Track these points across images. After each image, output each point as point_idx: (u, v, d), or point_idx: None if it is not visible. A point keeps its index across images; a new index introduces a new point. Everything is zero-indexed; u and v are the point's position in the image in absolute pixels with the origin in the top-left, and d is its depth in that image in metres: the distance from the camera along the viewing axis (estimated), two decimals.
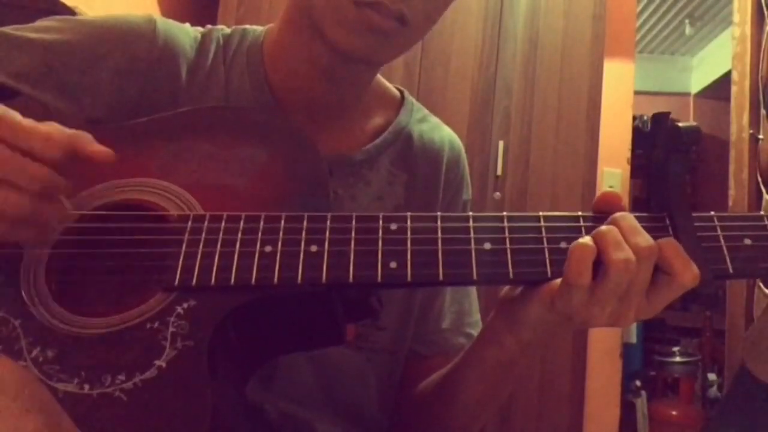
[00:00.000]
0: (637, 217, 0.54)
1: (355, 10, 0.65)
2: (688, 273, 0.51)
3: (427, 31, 0.73)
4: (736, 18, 2.63)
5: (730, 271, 0.52)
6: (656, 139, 0.55)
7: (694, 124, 0.51)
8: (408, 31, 0.68)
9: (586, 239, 0.52)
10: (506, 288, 0.62)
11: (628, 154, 2.69)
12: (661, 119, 0.55)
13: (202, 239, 0.55)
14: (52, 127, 0.53)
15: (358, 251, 0.54)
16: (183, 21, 0.79)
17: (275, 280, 0.53)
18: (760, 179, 2.40)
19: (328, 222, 0.55)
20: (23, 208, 0.50)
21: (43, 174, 0.51)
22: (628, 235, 0.52)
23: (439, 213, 0.56)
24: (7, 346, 0.52)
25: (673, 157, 0.54)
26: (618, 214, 0.53)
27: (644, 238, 0.51)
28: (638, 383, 3.31)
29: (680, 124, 0.53)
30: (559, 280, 0.53)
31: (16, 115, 0.52)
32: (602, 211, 0.55)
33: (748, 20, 2.56)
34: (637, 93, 2.80)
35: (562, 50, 2.30)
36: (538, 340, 0.62)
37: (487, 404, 0.71)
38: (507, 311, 0.61)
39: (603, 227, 0.52)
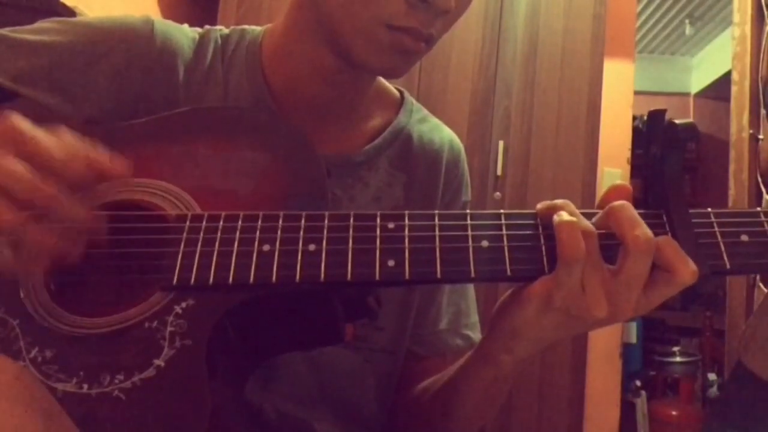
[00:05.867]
0: None
1: (389, 34, 0.65)
2: (686, 270, 0.50)
3: None
4: (736, 18, 2.64)
5: (728, 267, 0.52)
6: (652, 136, 0.55)
7: (690, 120, 0.51)
8: (429, 48, 0.69)
9: (567, 216, 0.51)
10: (497, 305, 0.61)
11: (628, 154, 2.69)
12: (657, 116, 0.55)
13: (200, 238, 0.55)
14: (69, 141, 0.51)
15: (356, 250, 0.54)
16: (183, 21, 0.80)
17: (273, 278, 0.53)
18: (760, 179, 2.40)
19: (326, 221, 0.55)
20: (18, 226, 0.49)
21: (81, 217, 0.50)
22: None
23: (436, 211, 0.56)
24: (6, 346, 0.52)
25: (670, 154, 0.54)
26: (617, 204, 0.52)
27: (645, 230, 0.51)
28: (638, 383, 3.31)
29: (676, 121, 0.53)
30: (549, 276, 0.53)
31: (36, 129, 0.50)
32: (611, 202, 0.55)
33: (748, 20, 2.56)
34: (637, 93, 2.81)
35: (562, 50, 2.30)
36: (534, 352, 0.61)
37: (486, 412, 0.71)
38: (501, 327, 0.60)
39: (616, 203, 0.52)
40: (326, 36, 0.69)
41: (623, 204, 0.52)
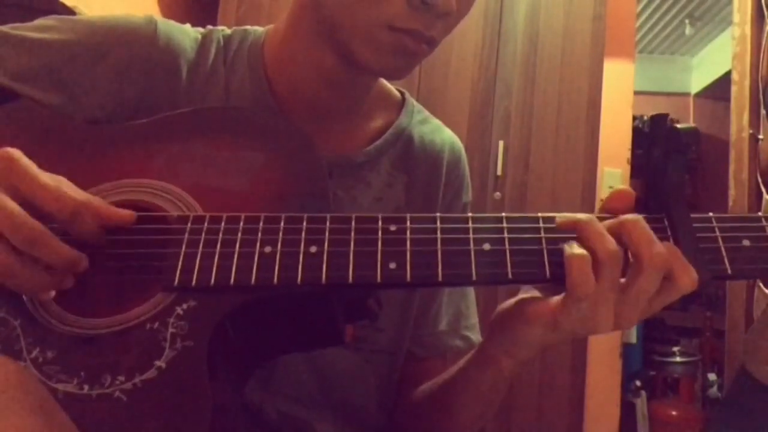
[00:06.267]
0: None
1: (390, 35, 0.65)
2: (687, 277, 0.50)
3: None
4: (736, 18, 2.63)
5: (729, 272, 0.52)
6: (655, 141, 0.55)
7: (693, 125, 0.51)
8: (431, 50, 0.69)
9: (579, 250, 0.51)
10: (499, 311, 0.61)
11: (628, 154, 2.69)
12: (659, 121, 0.55)
13: (202, 240, 0.55)
14: (65, 188, 0.53)
15: (358, 252, 0.54)
16: (183, 21, 0.79)
17: (275, 280, 0.53)
18: (760, 179, 2.40)
19: (328, 223, 0.55)
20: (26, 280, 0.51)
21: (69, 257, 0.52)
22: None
23: (438, 214, 0.56)
24: (7, 347, 0.52)
25: (672, 159, 0.54)
26: (630, 220, 0.51)
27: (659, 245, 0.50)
28: (638, 383, 3.30)
29: (678, 126, 0.53)
30: (556, 299, 0.53)
31: (33, 167, 0.52)
32: (614, 208, 0.55)
33: (748, 20, 2.56)
34: (637, 93, 2.81)
35: (562, 50, 2.30)
36: (536, 355, 0.61)
37: (485, 413, 0.71)
38: (503, 336, 0.60)
39: (629, 217, 0.51)
40: (328, 37, 0.69)
41: (638, 219, 0.51)
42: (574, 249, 0.51)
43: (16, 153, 0.52)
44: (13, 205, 0.49)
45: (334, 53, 0.70)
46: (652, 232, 0.51)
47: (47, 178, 0.52)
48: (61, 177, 0.54)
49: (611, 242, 0.50)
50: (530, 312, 0.55)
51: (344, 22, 0.66)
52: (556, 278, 0.52)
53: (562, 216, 0.54)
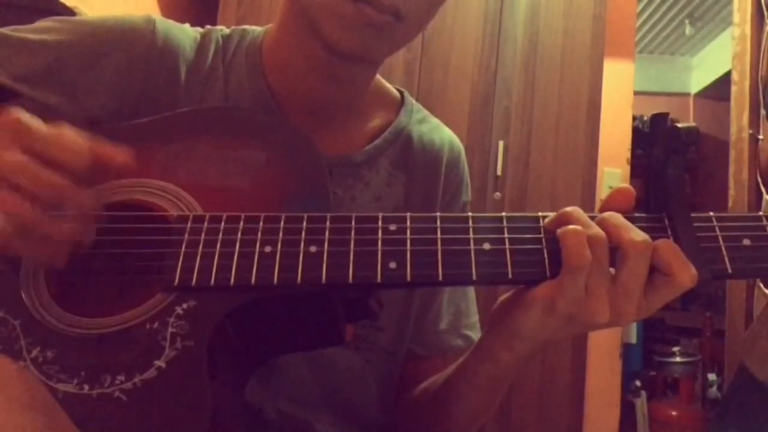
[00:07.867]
0: (636, 218, 0.55)
1: (352, 6, 0.65)
2: (685, 274, 0.51)
3: (425, 26, 0.73)
4: (736, 18, 2.63)
5: (729, 271, 0.52)
6: (655, 140, 0.55)
7: (693, 124, 0.51)
8: (403, 26, 0.68)
9: (572, 225, 0.52)
10: (499, 302, 0.61)
11: (628, 154, 2.69)
12: (659, 120, 0.55)
13: (202, 239, 0.55)
14: (73, 134, 0.52)
15: (358, 252, 0.54)
16: (183, 21, 0.80)
17: (275, 280, 0.53)
18: (760, 179, 2.39)
19: (328, 222, 0.55)
20: (32, 219, 0.49)
21: (65, 186, 0.50)
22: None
23: (438, 213, 0.56)
24: (7, 347, 0.52)
25: (672, 158, 0.54)
26: (606, 214, 0.54)
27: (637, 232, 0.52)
28: (638, 383, 3.31)
29: (679, 125, 0.53)
30: (553, 280, 0.53)
31: (40, 123, 0.51)
32: (614, 207, 0.55)
33: (748, 20, 2.56)
34: (637, 93, 2.81)
35: (562, 50, 2.30)
36: (535, 351, 0.61)
37: (485, 410, 0.71)
38: (501, 326, 0.60)
39: (605, 214, 0.53)
40: (311, 26, 0.69)
41: (612, 213, 0.53)
42: (568, 226, 0.52)
43: (21, 113, 0.50)
44: (28, 160, 0.48)
45: (321, 45, 0.70)
46: (627, 221, 0.52)
47: (57, 132, 0.51)
48: (62, 123, 0.52)
49: (595, 227, 0.52)
50: (528, 296, 0.55)
51: (312, 1, 0.67)
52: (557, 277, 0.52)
53: (548, 219, 0.55)
